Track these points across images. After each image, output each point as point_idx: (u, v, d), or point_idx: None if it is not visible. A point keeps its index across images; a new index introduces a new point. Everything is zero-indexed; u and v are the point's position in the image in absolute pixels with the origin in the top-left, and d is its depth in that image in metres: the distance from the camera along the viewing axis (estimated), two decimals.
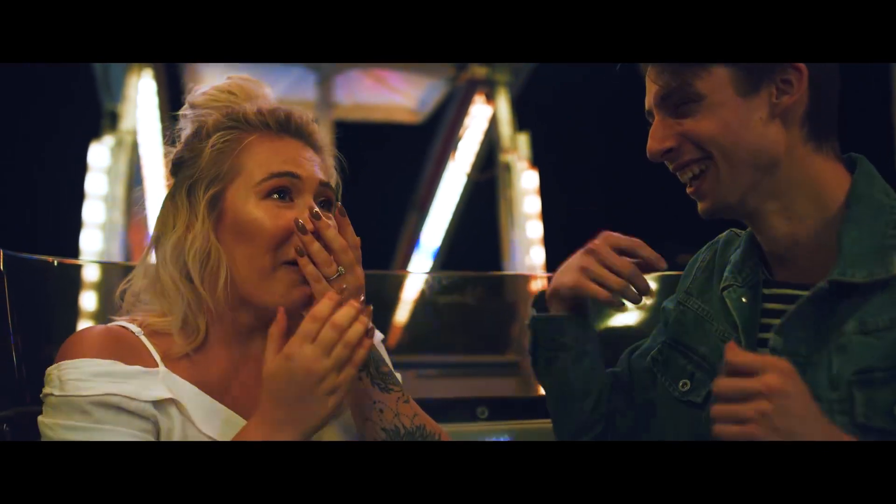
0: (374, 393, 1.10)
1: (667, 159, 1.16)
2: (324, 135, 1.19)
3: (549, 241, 7.41)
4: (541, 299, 1.32)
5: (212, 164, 1.11)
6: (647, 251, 1.18)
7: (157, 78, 8.01)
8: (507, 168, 9.18)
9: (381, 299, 2.37)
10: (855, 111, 1.25)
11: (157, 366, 1.08)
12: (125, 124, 7.79)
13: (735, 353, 0.91)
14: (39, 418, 1.04)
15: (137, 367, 1.05)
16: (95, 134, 7.74)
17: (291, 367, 0.98)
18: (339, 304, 1.00)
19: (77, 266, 1.97)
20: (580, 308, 1.28)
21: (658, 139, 1.15)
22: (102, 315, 1.82)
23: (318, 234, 1.06)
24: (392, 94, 10.44)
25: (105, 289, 1.96)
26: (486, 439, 1.73)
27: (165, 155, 1.19)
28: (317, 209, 1.07)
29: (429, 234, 10.42)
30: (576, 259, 1.22)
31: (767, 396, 0.87)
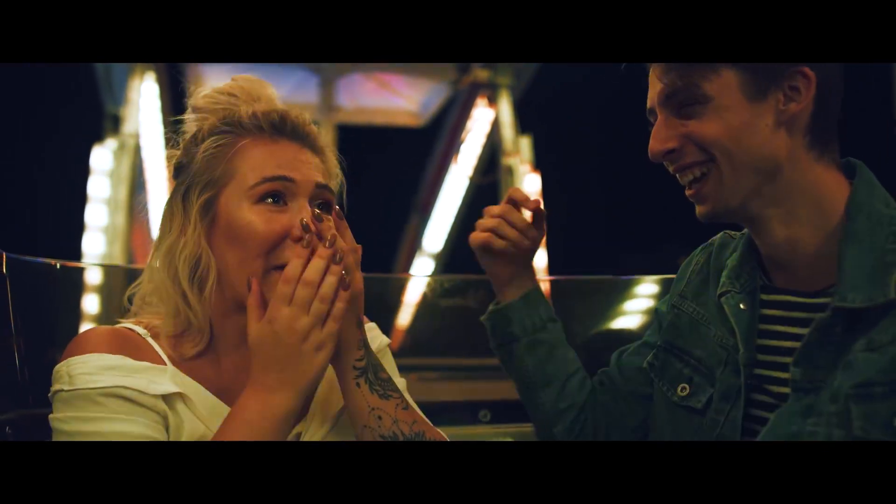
0: (373, 399, 1.09)
1: (668, 160, 1.15)
2: (324, 135, 1.18)
3: (551, 243, 7.41)
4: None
5: (205, 168, 1.09)
6: (518, 194, 1.34)
7: (160, 81, 8.03)
8: (510, 171, 9.19)
9: (383, 303, 2.37)
10: (855, 111, 1.24)
11: (164, 364, 1.07)
12: (128, 127, 7.80)
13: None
14: (51, 416, 1.02)
15: (145, 363, 1.05)
16: (98, 137, 7.76)
17: (275, 330, 0.99)
18: (308, 260, 1.02)
19: (79, 269, 1.97)
20: (526, 294, 1.38)
21: (661, 140, 1.14)
22: (104, 318, 1.82)
23: (320, 236, 1.05)
24: (394, 97, 10.45)
25: (107, 292, 1.96)
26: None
27: (168, 158, 1.18)
28: (318, 211, 1.07)
29: (431, 238, 10.43)
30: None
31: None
